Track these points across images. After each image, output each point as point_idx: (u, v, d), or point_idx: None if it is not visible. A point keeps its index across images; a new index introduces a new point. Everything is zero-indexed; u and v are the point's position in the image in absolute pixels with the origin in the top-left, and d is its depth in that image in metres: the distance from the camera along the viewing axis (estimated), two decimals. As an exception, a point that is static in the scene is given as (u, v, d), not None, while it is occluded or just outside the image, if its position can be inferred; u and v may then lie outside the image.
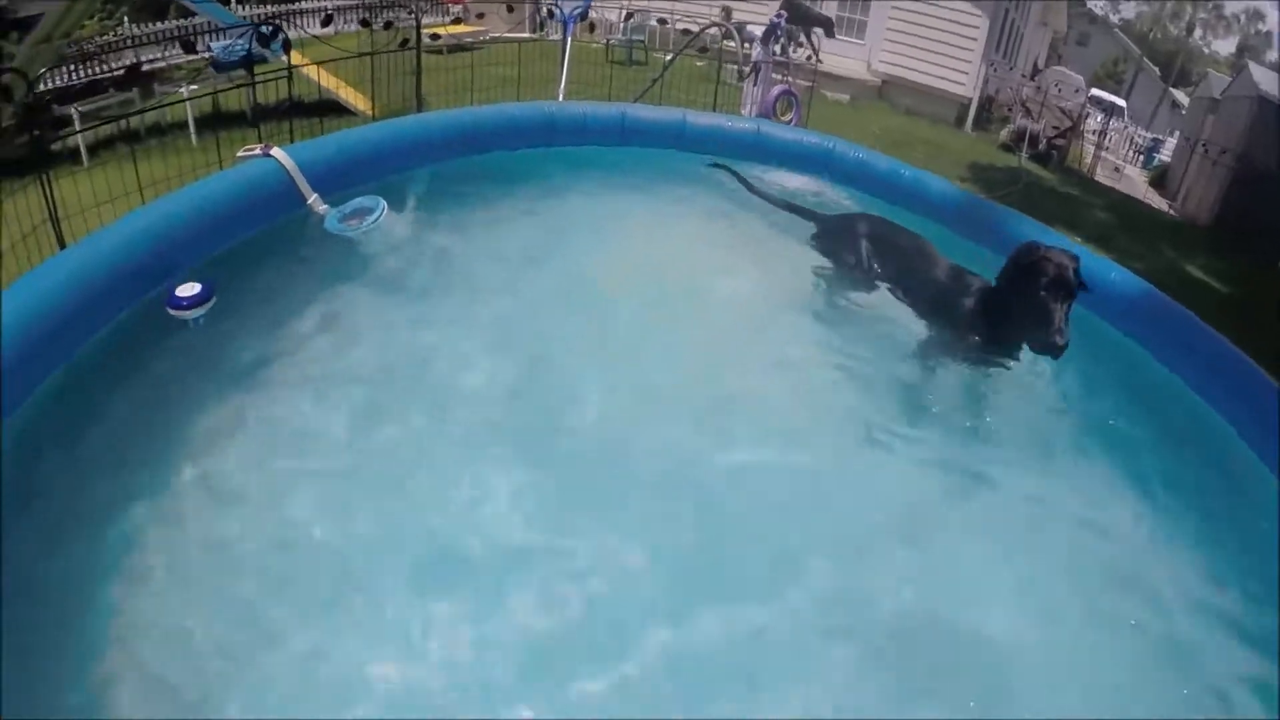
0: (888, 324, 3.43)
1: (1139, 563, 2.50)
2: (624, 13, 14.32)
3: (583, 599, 2.05)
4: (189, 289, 2.82)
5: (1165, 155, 19.29)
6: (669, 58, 8.26)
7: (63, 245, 4.34)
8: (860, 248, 3.65)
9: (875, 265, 3.61)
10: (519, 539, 2.20)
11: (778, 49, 8.13)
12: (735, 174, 4.34)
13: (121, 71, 7.92)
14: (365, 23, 7.20)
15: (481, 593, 2.05)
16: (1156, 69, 38.49)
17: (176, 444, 2.35)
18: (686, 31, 9.64)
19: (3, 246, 4.14)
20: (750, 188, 4.20)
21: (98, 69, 14.01)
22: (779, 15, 8.16)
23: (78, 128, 7.42)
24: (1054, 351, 2.84)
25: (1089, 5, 40.15)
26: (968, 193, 5.17)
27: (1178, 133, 20.09)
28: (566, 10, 8.27)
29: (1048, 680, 2.11)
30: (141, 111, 7.99)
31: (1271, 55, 41.12)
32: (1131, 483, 2.80)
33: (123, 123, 7.71)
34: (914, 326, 3.40)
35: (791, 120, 7.80)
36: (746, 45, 8.45)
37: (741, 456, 2.63)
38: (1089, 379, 3.33)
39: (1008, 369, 3.15)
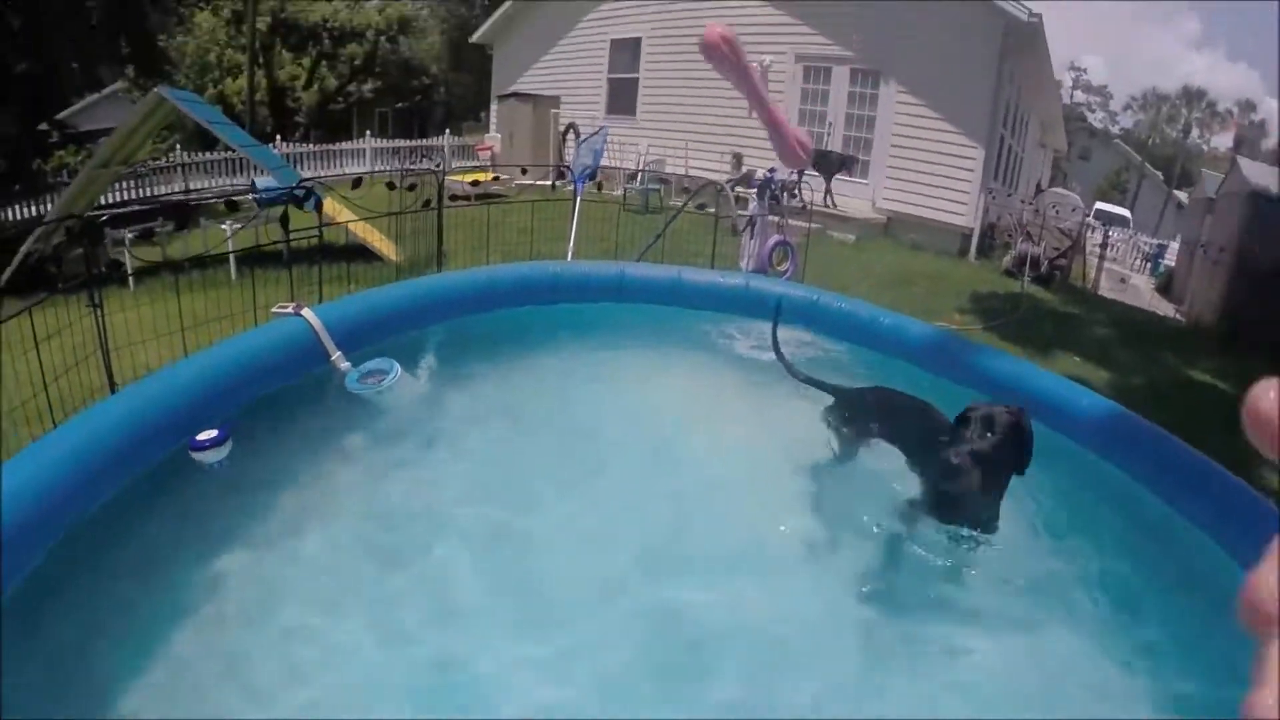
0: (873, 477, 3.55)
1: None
2: (641, 161, 15.25)
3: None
4: (208, 433, 3.18)
5: (1170, 260, 19.65)
6: (670, 217, 8.83)
7: (110, 374, 4.74)
8: (862, 418, 3.56)
9: (874, 426, 3.51)
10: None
11: (771, 201, 8.67)
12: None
13: (172, 200, 8.54)
14: (391, 185, 7.78)
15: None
16: (1159, 174, 39.22)
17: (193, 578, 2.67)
18: (711, 184, 10.23)
19: (55, 370, 4.44)
20: (781, 360, 4.11)
21: (148, 192, 14.99)
22: (771, 170, 8.75)
23: (127, 255, 7.96)
24: (946, 470, 2.75)
25: (1088, 121, 41.24)
26: (944, 331, 5.52)
27: (1179, 236, 20.49)
28: (576, 171, 8.97)
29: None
30: (189, 259, 8.60)
31: (1269, 141, 41.90)
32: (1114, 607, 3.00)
33: (168, 252, 8.26)
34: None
35: (787, 271, 8.26)
36: (739, 199, 9.09)
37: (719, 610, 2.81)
38: (1072, 508, 3.61)
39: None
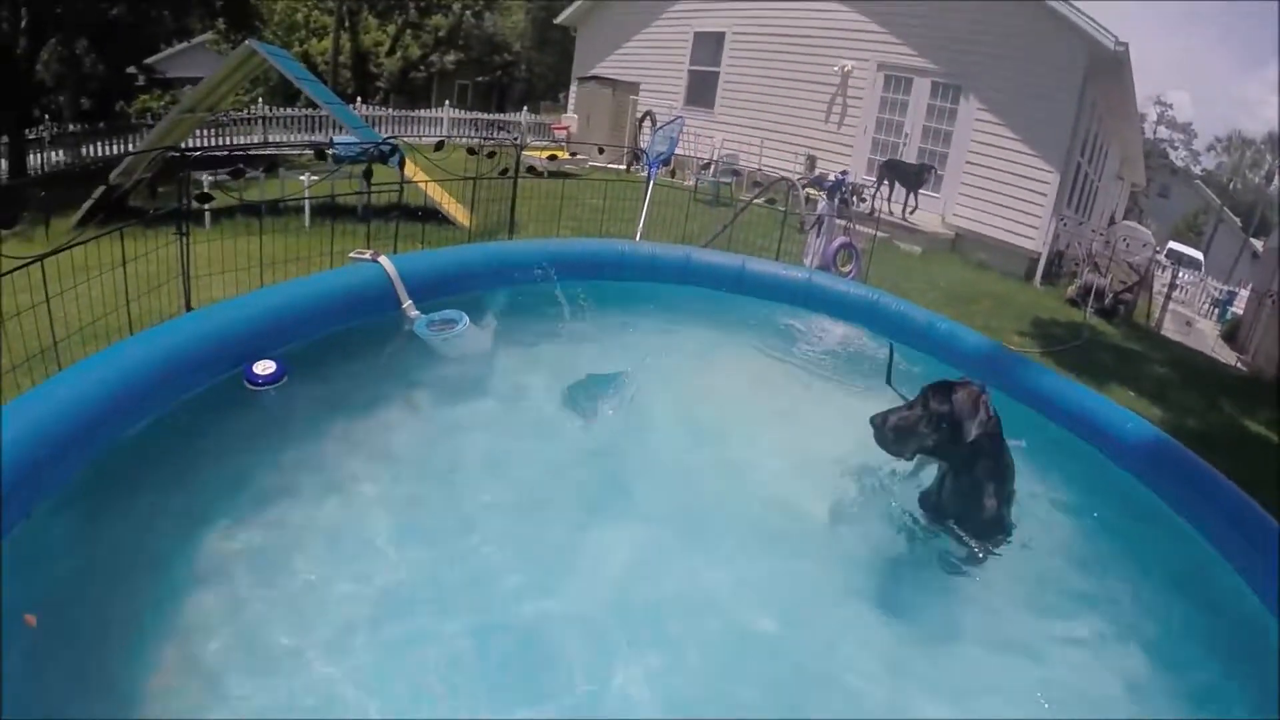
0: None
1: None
2: (715, 153, 15.33)
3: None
4: (265, 367, 3.27)
5: (1239, 308, 19.26)
6: (740, 208, 8.92)
7: (188, 300, 4.99)
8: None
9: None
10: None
11: (839, 203, 8.73)
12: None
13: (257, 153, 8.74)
14: (471, 150, 7.89)
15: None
16: (1238, 220, 38.26)
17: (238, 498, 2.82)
18: (784, 179, 10.30)
19: (137, 291, 4.72)
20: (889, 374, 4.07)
21: (228, 140, 15.42)
22: (843, 173, 8.81)
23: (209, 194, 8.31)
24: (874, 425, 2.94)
25: (1170, 158, 40.35)
26: (998, 344, 5.56)
27: (1250, 284, 20.06)
28: (652, 155, 9.10)
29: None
30: (266, 202, 8.90)
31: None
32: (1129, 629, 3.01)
33: (245, 196, 8.53)
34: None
35: (851, 272, 8.31)
36: (809, 199, 9.17)
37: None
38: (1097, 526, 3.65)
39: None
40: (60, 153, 16.30)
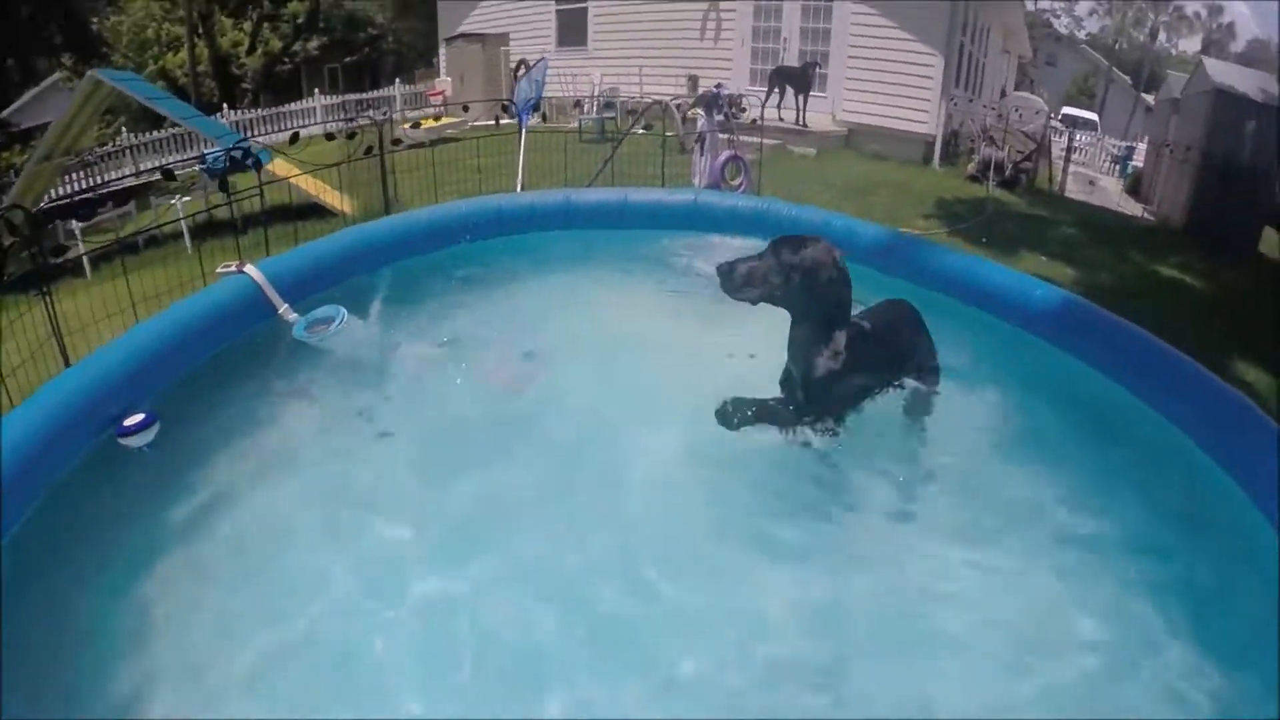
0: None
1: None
2: (595, 90, 14.92)
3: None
4: (134, 418, 3.10)
5: (1139, 161, 19.51)
6: (616, 142, 8.62)
7: (67, 360, 4.65)
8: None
9: None
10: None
11: (720, 117, 8.45)
12: None
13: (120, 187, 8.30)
14: (330, 136, 7.58)
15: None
16: (1127, 78, 38.90)
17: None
18: (657, 103, 10.02)
19: (13, 363, 4.47)
20: None
21: (98, 179, 14.71)
22: (718, 86, 8.53)
23: (80, 245, 7.82)
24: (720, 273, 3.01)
25: (1054, 26, 40.79)
26: (895, 231, 5.36)
27: (1147, 137, 20.34)
28: (520, 104, 8.72)
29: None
30: (142, 231, 8.44)
31: (1236, 46, 41.64)
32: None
33: (121, 233, 8.15)
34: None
35: (741, 184, 8.07)
36: (687, 118, 8.89)
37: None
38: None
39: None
40: None
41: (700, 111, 8.80)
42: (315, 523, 2.83)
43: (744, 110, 9.41)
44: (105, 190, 12.98)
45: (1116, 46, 43.81)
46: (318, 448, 3.30)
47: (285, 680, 2.23)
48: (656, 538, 2.76)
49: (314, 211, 9.35)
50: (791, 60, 14.37)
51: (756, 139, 9.24)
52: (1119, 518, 2.85)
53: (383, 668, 2.29)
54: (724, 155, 8.18)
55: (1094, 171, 18.89)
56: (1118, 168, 20.34)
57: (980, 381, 3.58)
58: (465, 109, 10.39)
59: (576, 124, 13.09)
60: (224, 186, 6.21)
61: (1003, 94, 19.69)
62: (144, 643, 2.32)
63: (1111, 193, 16.56)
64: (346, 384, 3.71)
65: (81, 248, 8.12)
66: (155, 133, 17.47)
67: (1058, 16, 48.42)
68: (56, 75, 23.69)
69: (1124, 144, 21.98)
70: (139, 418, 3.10)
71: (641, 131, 8.97)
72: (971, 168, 12.82)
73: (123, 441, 3.06)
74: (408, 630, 2.38)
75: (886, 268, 4.73)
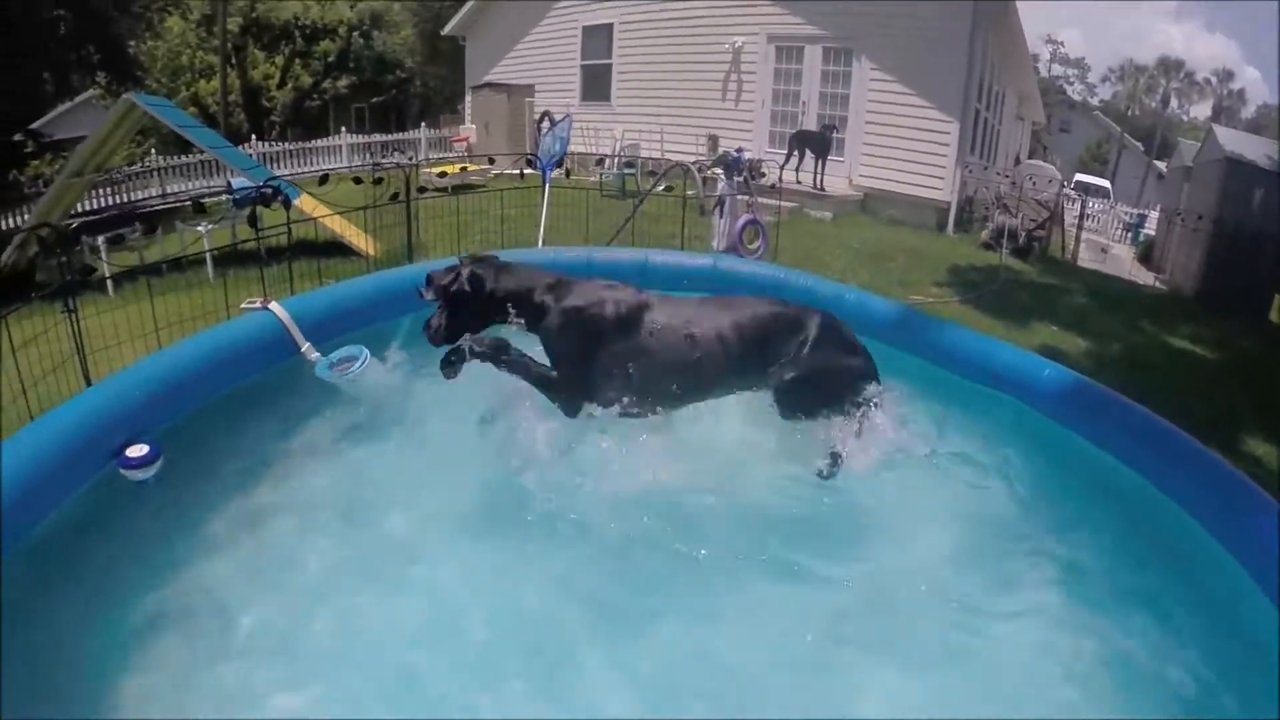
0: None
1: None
2: (616, 147, 15.18)
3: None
4: (138, 450, 3.08)
5: (1151, 229, 19.68)
6: (638, 201, 8.80)
7: (88, 378, 4.73)
8: None
9: None
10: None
11: (740, 180, 8.64)
12: None
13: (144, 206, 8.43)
14: (357, 180, 7.73)
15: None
16: (1139, 145, 39.25)
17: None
18: (679, 165, 10.23)
19: (35, 375, 4.49)
20: None
21: (125, 197, 14.95)
22: (739, 150, 8.71)
23: (105, 264, 7.95)
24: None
25: (1067, 93, 41.26)
26: (905, 306, 5.48)
27: (1159, 205, 20.51)
28: (545, 158, 8.94)
29: None
30: (173, 258, 8.59)
31: (1246, 112, 42.01)
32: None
33: (145, 256, 8.26)
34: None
35: (759, 248, 8.22)
36: (707, 180, 9.10)
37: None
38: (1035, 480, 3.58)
39: None
40: None
41: (720, 171, 8.99)
42: (327, 562, 2.89)
43: (763, 174, 9.60)
44: (132, 211, 13.27)
45: (1129, 113, 44.31)
46: (332, 488, 3.35)
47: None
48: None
49: (338, 250, 9.51)
50: (810, 124, 14.63)
51: (775, 201, 9.42)
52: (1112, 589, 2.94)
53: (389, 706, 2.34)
54: (743, 219, 8.33)
55: (1106, 239, 19.06)
56: (1130, 235, 20.52)
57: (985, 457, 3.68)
58: (491, 161, 10.59)
59: (598, 179, 13.34)
60: (253, 222, 6.31)
61: (1017, 161, 19.97)
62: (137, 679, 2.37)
63: (1124, 261, 16.71)
64: (364, 425, 3.75)
65: (106, 268, 8.27)
66: (184, 157, 17.86)
67: (1071, 83, 49.16)
68: (90, 92, 24.19)
69: (1136, 211, 22.18)
70: (143, 450, 3.07)
71: (661, 191, 9.16)
72: (985, 235, 12.95)
73: (125, 474, 3.04)
74: (418, 680, 2.42)
75: (899, 342, 4.86)
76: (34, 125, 20.70)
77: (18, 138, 19.84)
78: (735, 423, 3.63)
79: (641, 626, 2.70)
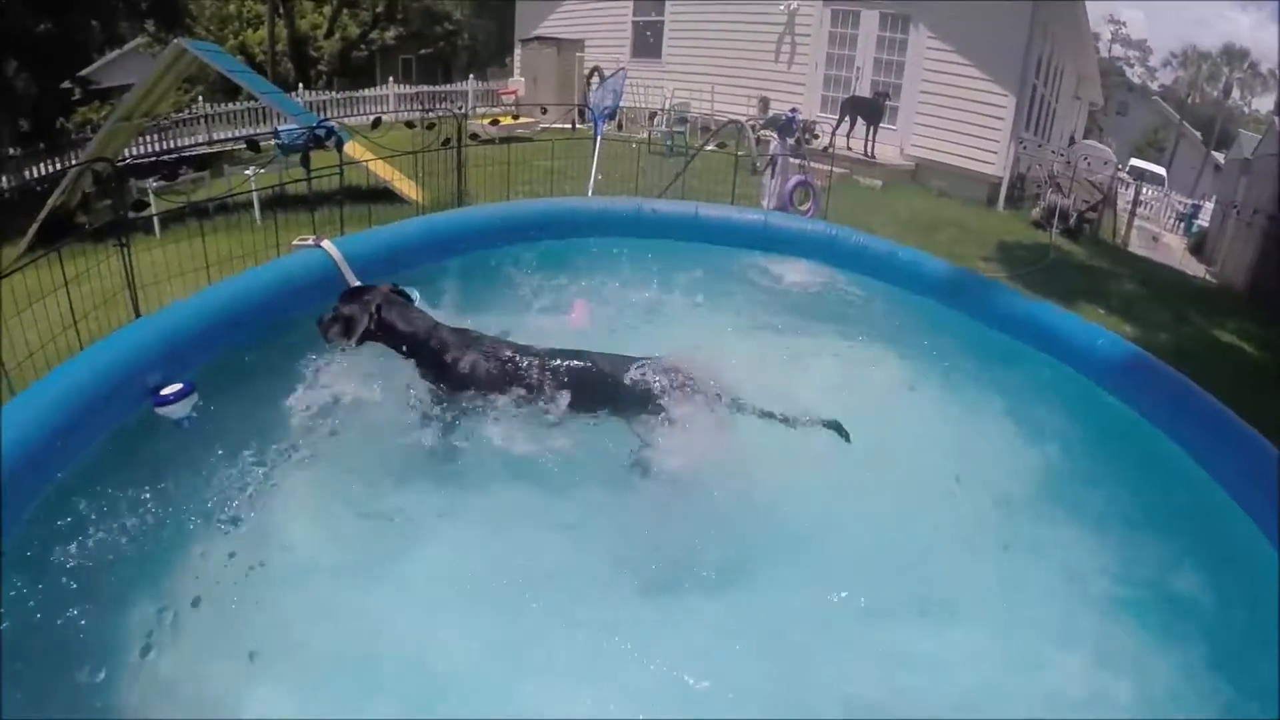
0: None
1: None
2: (667, 103, 15.04)
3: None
4: (172, 388, 3.06)
5: (1204, 220, 19.27)
6: (690, 156, 8.73)
7: (138, 310, 4.83)
8: None
9: None
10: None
11: (793, 141, 8.53)
12: None
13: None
14: (410, 124, 7.74)
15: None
16: (1198, 134, 38.31)
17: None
18: (734, 122, 10.11)
19: (85, 309, 4.60)
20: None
21: (173, 143, 15.16)
22: (793, 110, 8.61)
23: (153, 204, 8.08)
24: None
25: (1126, 75, 40.32)
26: (962, 269, 5.40)
27: (1215, 197, 20.05)
28: (596, 111, 8.87)
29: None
30: (225, 196, 8.69)
31: (1312, 106, 40.79)
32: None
33: (192, 198, 8.36)
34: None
35: (809, 210, 8.14)
36: (760, 140, 9.00)
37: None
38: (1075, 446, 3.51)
39: None
40: (2, 178, 15.80)
41: (773, 134, 8.89)
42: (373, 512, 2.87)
43: (816, 137, 9.49)
44: (183, 154, 13.44)
45: (1189, 101, 43.23)
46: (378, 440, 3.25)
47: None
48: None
49: (384, 196, 9.56)
50: (863, 90, 14.41)
51: (826, 166, 9.31)
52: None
53: (420, 675, 2.30)
54: (794, 180, 8.26)
55: (1158, 227, 18.69)
56: (1182, 225, 20.10)
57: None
58: (544, 110, 10.54)
59: (647, 135, 13.23)
60: (305, 163, 6.34)
61: (1071, 140, 19.57)
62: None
63: (1175, 250, 16.40)
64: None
65: (155, 207, 8.39)
66: (231, 104, 17.93)
67: (1131, 65, 47.98)
68: (138, 40, 24.28)
69: (1190, 201, 21.70)
70: (177, 387, 3.05)
71: (714, 149, 9.08)
72: (1036, 213, 12.74)
73: (160, 411, 3.02)
74: (452, 635, 2.42)
75: (951, 304, 4.80)
76: (82, 73, 20.83)
77: (66, 84, 20.00)
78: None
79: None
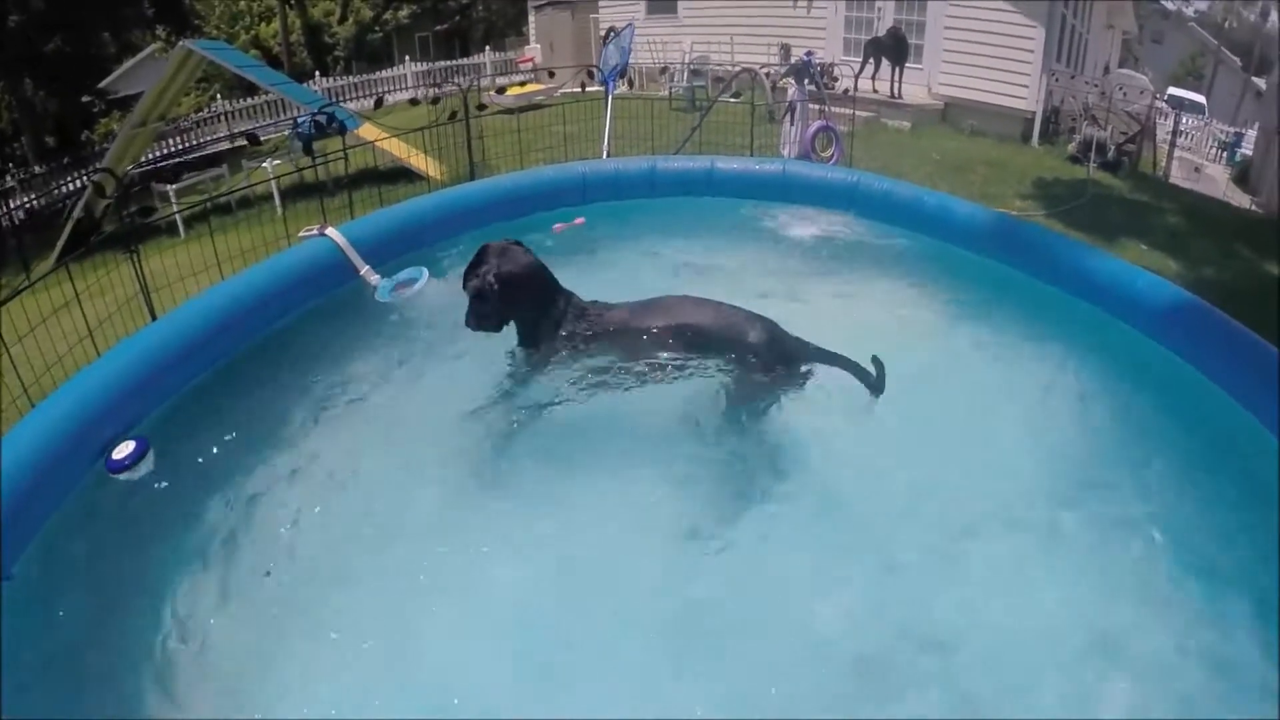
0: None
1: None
2: (685, 58, 14.73)
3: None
4: (123, 449, 2.81)
5: (1248, 149, 18.57)
6: (704, 110, 8.51)
7: (153, 314, 4.89)
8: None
9: None
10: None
11: (811, 85, 8.25)
12: None
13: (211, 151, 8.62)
14: (414, 101, 7.65)
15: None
16: (1237, 60, 37.01)
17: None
18: (747, 71, 9.85)
19: (100, 316, 4.72)
20: None
21: (193, 143, 15.31)
22: (808, 53, 8.33)
23: (174, 205, 8.09)
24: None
25: (1161, 2, 39.04)
26: (991, 211, 5.15)
27: (1257, 124, 19.31)
28: (606, 70, 8.66)
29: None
30: (230, 192, 8.69)
31: (1353, 27, 39.30)
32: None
33: (211, 196, 8.43)
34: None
35: (833, 156, 7.87)
36: (775, 86, 8.72)
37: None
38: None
39: None
40: (32, 196, 15.95)
41: (791, 81, 8.61)
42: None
43: (836, 79, 9.17)
44: (195, 154, 13.57)
45: (1226, 25, 41.74)
46: (388, 406, 3.28)
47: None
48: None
49: (403, 175, 9.53)
50: (885, 29, 13.94)
51: (849, 110, 9.02)
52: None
53: (434, 685, 2.20)
54: (815, 125, 8.01)
55: (1200, 158, 18.02)
56: (1225, 155, 19.39)
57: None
58: (551, 75, 10.36)
59: (666, 91, 12.98)
60: (309, 150, 6.29)
61: (1106, 71, 18.96)
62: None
63: (1218, 181, 15.79)
64: (422, 344, 3.64)
65: (175, 208, 8.40)
66: (248, 99, 17.92)
67: (1166, -9, 46.46)
68: (151, 47, 24.38)
69: (1232, 130, 20.91)
70: (129, 448, 2.80)
71: (730, 99, 8.83)
72: (1072, 148, 12.28)
73: (118, 477, 2.77)
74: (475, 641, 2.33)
75: (983, 248, 4.57)
76: (101, 84, 21.00)
77: (85, 99, 20.18)
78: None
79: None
